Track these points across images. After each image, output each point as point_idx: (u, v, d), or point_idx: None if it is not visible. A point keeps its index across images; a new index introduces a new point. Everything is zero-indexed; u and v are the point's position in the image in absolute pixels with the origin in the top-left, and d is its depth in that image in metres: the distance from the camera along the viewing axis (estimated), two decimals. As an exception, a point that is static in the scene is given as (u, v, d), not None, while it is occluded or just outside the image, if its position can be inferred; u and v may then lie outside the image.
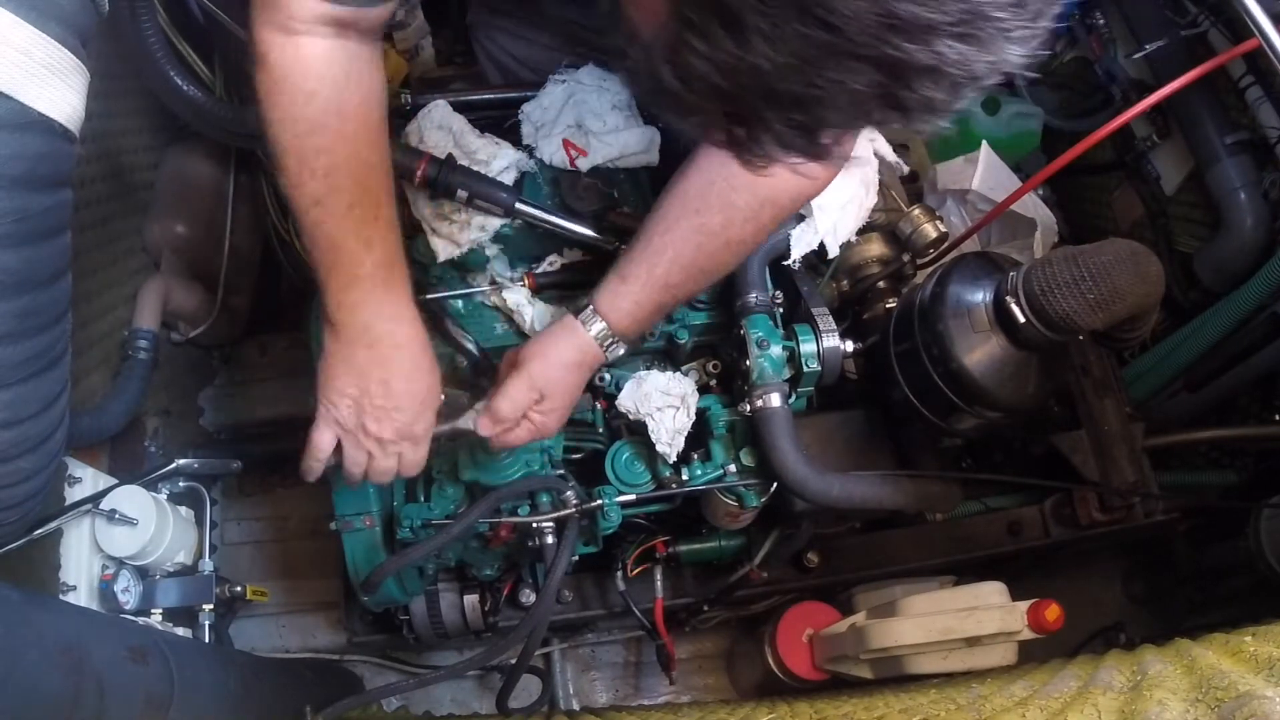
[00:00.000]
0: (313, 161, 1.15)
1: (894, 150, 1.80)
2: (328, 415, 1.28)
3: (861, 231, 1.72)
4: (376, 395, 1.25)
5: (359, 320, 1.23)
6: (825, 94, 0.70)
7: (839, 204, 1.61)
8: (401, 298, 1.26)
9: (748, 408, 1.50)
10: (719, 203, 1.31)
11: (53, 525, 1.56)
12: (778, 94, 0.71)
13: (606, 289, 1.37)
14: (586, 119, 1.65)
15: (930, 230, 1.73)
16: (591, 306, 1.37)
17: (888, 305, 1.74)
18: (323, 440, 1.31)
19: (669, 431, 1.55)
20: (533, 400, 1.35)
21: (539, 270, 1.70)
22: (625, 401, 1.56)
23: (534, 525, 1.54)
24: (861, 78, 0.69)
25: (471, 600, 1.85)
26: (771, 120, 0.76)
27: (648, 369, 1.62)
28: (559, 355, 1.37)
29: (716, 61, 0.70)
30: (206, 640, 1.81)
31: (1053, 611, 1.52)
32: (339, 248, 1.20)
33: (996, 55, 0.69)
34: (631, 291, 1.35)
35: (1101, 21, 2.59)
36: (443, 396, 1.48)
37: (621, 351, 1.43)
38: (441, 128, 1.60)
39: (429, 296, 1.65)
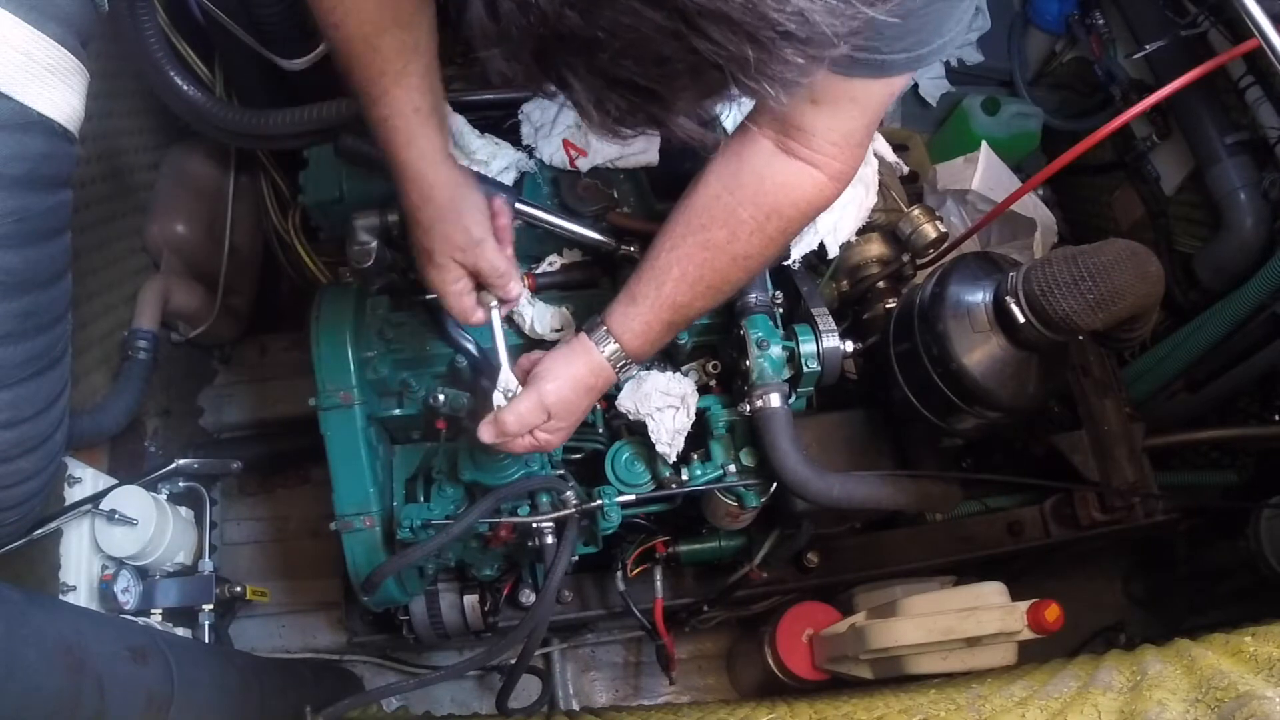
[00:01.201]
0: (333, 34, 1.22)
1: (894, 150, 1.80)
2: None
3: (861, 232, 1.72)
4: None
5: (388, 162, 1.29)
6: (613, 38, 0.71)
7: (839, 204, 1.61)
8: (401, 146, 1.26)
9: (747, 408, 1.50)
10: (724, 217, 1.30)
11: (53, 525, 1.56)
12: (566, 37, 0.72)
13: (617, 310, 1.36)
14: (586, 119, 1.65)
15: (930, 230, 1.73)
16: (605, 327, 1.35)
17: (887, 305, 1.74)
18: None
19: (669, 431, 1.55)
20: (541, 420, 1.34)
21: (539, 270, 1.70)
22: (625, 401, 1.56)
23: (534, 525, 1.54)
24: (646, 20, 0.69)
25: (471, 600, 1.85)
26: (578, 69, 0.76)
27: (647, 369, 1.62)
28: (573, 376, 1.35)
29: None
30: (206, 640, 1.82)
31: (1052, 612, 1.52)
32: (363, 112, 1.26)
33: (791, 4, 0.68)
34: (641, 312, 1.34)
35: (1101, 22, 2.60)
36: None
37: (635, 371, 1.42)
38: (441, 128, 1.60)
39: (429, 296, 1.65)
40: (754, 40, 0.71)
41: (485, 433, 1.33)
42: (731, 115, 1.66)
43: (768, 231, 1.31)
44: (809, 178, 1.28)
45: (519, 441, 1.35)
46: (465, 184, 1.30)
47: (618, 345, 1.35)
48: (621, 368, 1.37)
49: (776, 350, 1.50)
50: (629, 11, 0.69)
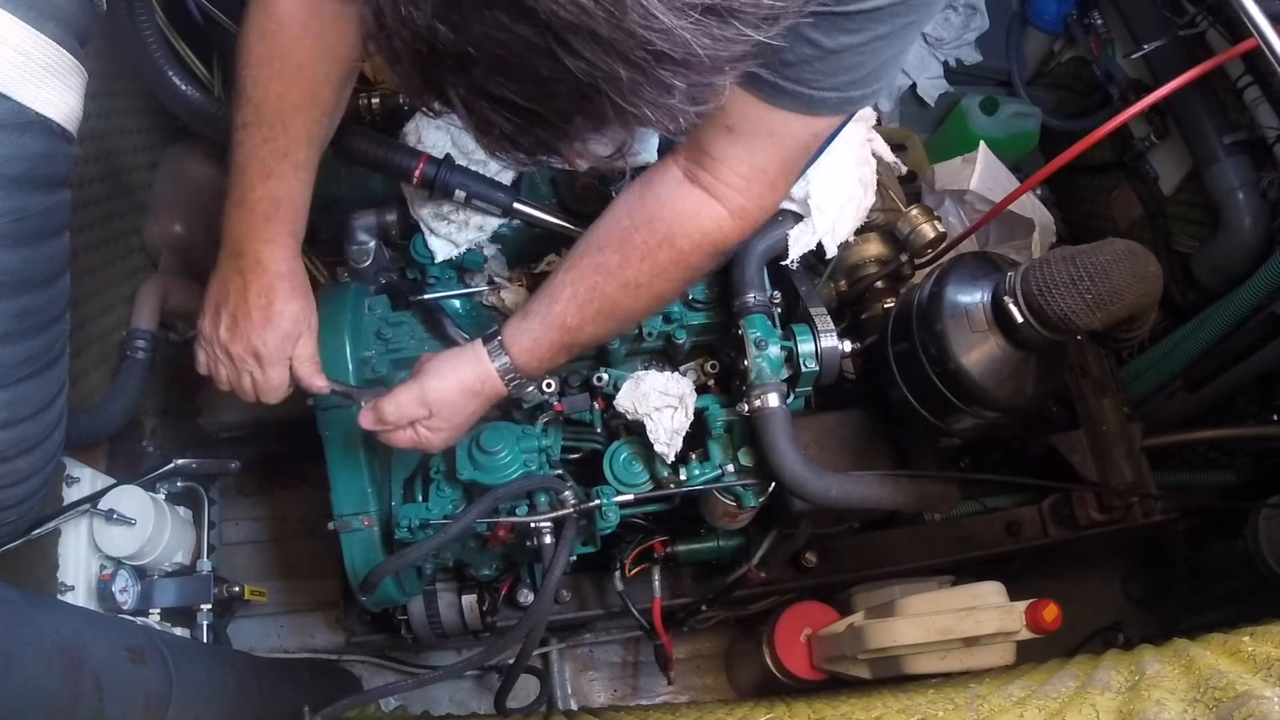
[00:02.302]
0: (250, 90, 1.23)
1: (892, 150, 1.80)
2: (200, 322, 1.34)
3: (859, 231, 1.72)
4: (233, 306, 1.28)
5: (235, 237, 1.27)
6: (486, 55, 0.70)
7: (837, 204, 1.61)
8: (279, 230, 1.27)
9: (746, 408, 1.50)
10: (619, 241, 1.27)
11: (51, 525, 1.56)
12: (441, 52, 0.71)
13: (512, 322, 1.34)
14: (585, 119, 1.65)
15: (928, 230, 1.73)
16: (499, 339, 1.34)
17: (886, 305, 1.74)
18: (198, 354, 1.36)
19: (667, 431, 1.55)
20: (421, 414, 1.32)
21: (537, 270, 1.70)
22: (623, 401, 1.56)
23: (532, 525, 1.54)
24: (516, 37, 0.68)
25: (469, 600, 1.85)
26: (458, 85, 0.75)
27: (646, 369, 1.62)
28: (459, 379, 1.33)
29: (391, 6, 0.71)
30: (205, 640, 1.81)
31: (1051, 612, 1.52)
32: (243, 170, 1.26)
33: (659, 21, 0.67)
34: (531, 328, 1.32)
35: (1099, 21, 2.60)
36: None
37: (530, 388, 1.40)
38: (439, 128, 1.60)
39: (427, 296, 1.65)
40: (626, 60, 0.70)
41: (364, 418, 1.33)
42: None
43: (659, 260, 1.26)
44: (708, 210, 1.24)
45: (400, 434, 1.35)
46: (309, 304, 1.33)
47: (508, 359, 1.33)
48: (512, 382, 1.35)
49: (775, 350, 1.50)
50: (499, 27, 0.68)
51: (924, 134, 2.88)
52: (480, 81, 0.73)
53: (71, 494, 1.65)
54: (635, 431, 1.60)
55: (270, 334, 1.28)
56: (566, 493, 1.55)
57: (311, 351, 1.35)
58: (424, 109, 0.81)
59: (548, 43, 0.68)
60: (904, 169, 1.98)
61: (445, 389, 1.33)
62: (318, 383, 1.36)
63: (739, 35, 0.72)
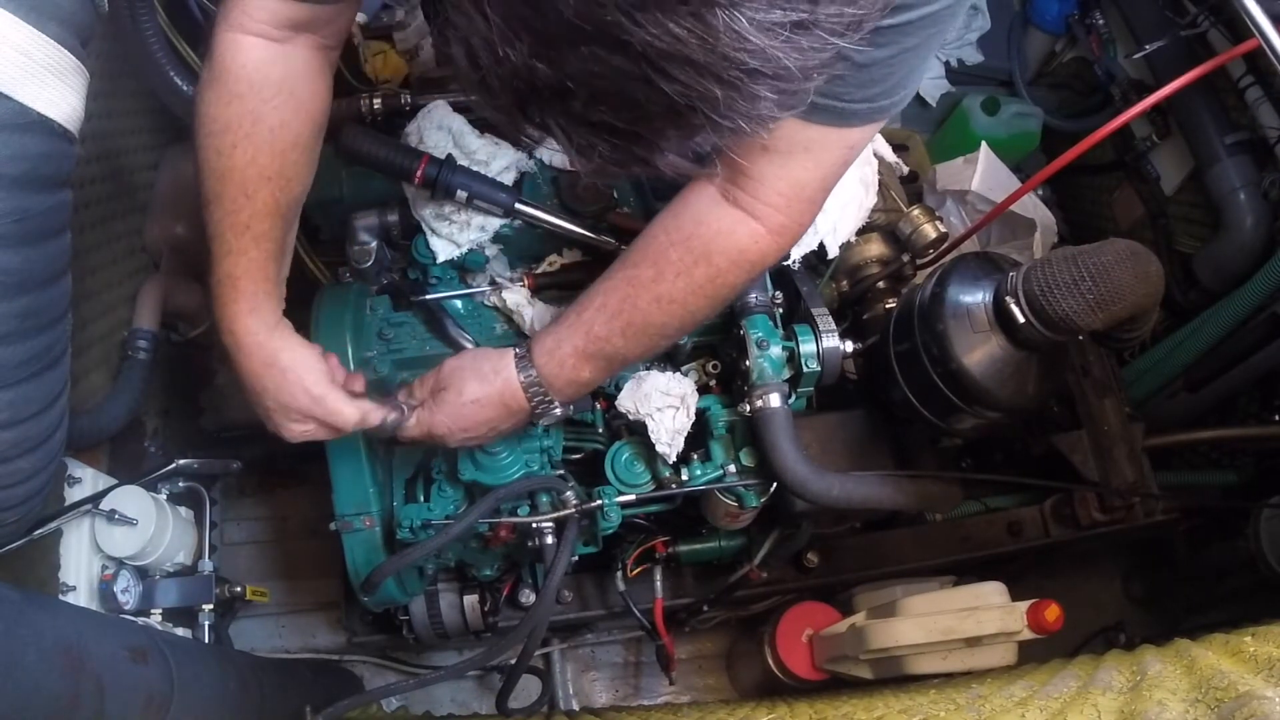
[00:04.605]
0: (213, 161, 1.17)
1: (893, 150, 1.80)
2: None
3: (861, 232, 1.72)
4: (245, 383, 1.30)
5: (215, 317, 1.27)
6: (584, 86, 0.71)
7: (839, 204, 1.61)
8: (238, 314, 1.24)
9: (747, 408, 1.50)
10: (654, 255, 1.27)
11: (53, 525, 1.56)
12: (540, 87, 0.72)
13: (542, 331, 1.35)
14: (586, 119, 1.65)
15: (930, 230, 1.73)
16: (529, 345, 1.34)
17: (887, 305, 1.74)
18: None
19: (669, 431, 1.55)
20: (424, 389, 1.34)
21: (539, 270, 1.70)
22: (625, 401, 1.56)
23: (534, 525, 1.54)
24: (611, 67, 0.69)
25: (471, 600, 1.85)
26: (557, 116, 0.76)
27: (647, 369, 1.62)
28: (480, 369, 1.34)
29: (485, 47, 0.71)
30: (206, 640, 1.81)
31: (1052, 612, 1.52)
32: (210, 249, 1.22)
33: (750, 41, 0.68)
34: (558, 332, 1.31)
35: (1101, 21, 2.60)
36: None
37: (557, 412, 1.37)
38: (441, 128, 1.60)
39: (429, 297, 1.65)
40: (720, 80, 0.70)
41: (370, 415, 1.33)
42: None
43: (694, 277, 1.26)
44: (745, 228, 1.23)
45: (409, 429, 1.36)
46: (302, 345, 1.30)
47: (535, 371, 1.32)
48: (537, 400, 1.33)
49: (776, 350, 1.50)
50: (594, 59, 0.69)
51: (925, 134, 2.88)
52: (580, 111, 0.74)
53: (73, 494, 1.65)
54: (637, 432, 1.60)
55: (267, 401, 1.29)
56: (568, 493, 1.55)
57: (341, 411, 1.31)
58: (522, 136, 0.80)
59: (643, 70, 0.69)
60: (905, 169, 1.98)
61: (461, 366, 1.35)
62: (377, 417, 1.34)
63: (825, 44, 0.72)
